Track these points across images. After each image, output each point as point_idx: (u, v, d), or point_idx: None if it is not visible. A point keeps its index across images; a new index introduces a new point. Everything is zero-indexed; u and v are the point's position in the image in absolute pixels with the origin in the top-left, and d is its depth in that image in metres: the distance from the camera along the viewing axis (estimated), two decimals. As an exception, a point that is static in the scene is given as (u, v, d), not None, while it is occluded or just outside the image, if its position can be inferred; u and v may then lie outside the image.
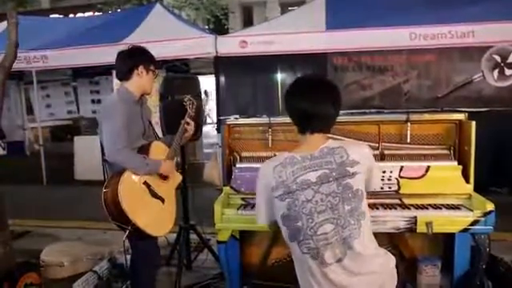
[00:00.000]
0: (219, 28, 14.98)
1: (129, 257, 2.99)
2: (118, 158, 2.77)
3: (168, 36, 7.39)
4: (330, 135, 2.06)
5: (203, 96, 3.86)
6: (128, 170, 2.76)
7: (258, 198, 2.04)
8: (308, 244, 1.86)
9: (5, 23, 8.69)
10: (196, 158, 9.67)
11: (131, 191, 2.75)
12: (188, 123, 3.17)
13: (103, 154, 2.89)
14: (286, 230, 1.93)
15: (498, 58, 6.44)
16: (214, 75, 7.62)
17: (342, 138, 2.98)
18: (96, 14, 15.23)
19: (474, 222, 2.68)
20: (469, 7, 6.56)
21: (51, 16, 16.81)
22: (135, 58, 2.96)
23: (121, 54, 2.99)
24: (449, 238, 2.96)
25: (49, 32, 9.10)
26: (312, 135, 1.97)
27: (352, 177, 1.87)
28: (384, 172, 2.90)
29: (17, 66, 3.75)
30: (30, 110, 12.43)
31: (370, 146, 2.38)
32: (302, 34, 6.94)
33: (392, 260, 1.97)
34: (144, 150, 2.91)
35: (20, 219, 5.38)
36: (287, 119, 3.84)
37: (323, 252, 1.84)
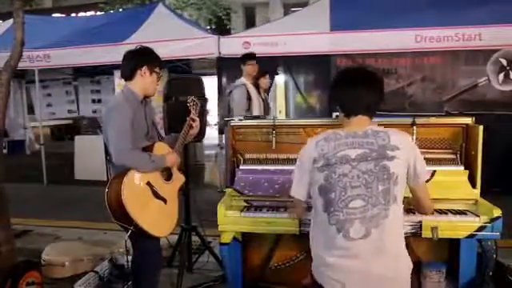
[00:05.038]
0: (221, 28, 14.94)
1: (130, 258, 2.96)
2: (124, 159, 2.75)
3: (170, 36, 7.36)
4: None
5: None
6: (132, 169, 2.74)
7: (300, 173, 2.11)
8: (337, 216, 1.94)
9: (7, 22, 8.77)
10: (197, 159, 9.65)
11: (134, 191, 2.73)
12: (194, 120, 3.14)
13: (107, 154, 2.87)
14: (321, 201, 2.00)
15: (504, 62, 6.41)
16: (216, 76, 7.58)
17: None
18: (98, 13, 15.20)
19: (481, 228, 2.65)
20: (476, 10, 6.51)
21: (53, 15, 16.77)
22: (140, 58, 2.93)
23: (127, 54, 2.97)
24: (454, 243, 2.93)
25: (51, 31, 9.07)
26: (356, 117, 2.05)
27: (390, 160, 1.93)
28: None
29: (20, 64, 3.73)
30: (30, 109, 12.43)
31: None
32: (306, 35, 6.91)
33: (410, 265, 2.00)
34: (147, 151, 2.88)
35: (20, 218, 5.35)
36: (291, 121, 3.83)
37: (349, 226, 1.91)
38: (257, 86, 5.73)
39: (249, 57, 5.66)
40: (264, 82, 5.89)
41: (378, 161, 1.93)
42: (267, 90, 6.18)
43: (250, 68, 5.62)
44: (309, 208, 2.25)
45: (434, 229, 2.64)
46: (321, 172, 1.99)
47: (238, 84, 5.59)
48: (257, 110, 5.55)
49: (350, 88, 2.07)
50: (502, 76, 6.44)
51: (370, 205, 1.91)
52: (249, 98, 5.49)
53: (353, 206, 1.92)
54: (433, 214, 2.71)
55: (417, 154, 2.03)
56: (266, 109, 5.93)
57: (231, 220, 2.89)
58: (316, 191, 2.02)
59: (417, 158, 2.02)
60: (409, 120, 3.03)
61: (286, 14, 17.32)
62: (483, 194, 2.87)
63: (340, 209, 1.93)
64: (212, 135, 7.13)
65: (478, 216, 2.68)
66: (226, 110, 5.57)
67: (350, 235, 1.90)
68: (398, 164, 1.94)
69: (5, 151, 11.29)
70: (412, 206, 2.41)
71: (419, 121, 3.02)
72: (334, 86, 2.14)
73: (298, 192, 2.16)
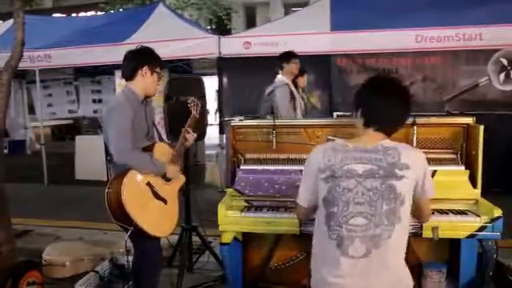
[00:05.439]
0: (222, 28, 14.95)
1: (130, 258, 2.97)
2: (124, 159, 2.76)
3: (171, 36, 7.36)
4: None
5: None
6: (132, 169, 2.75)
7: (305, 179, 2.07)
8: (337, 231, 1.88)
9: (7, 22, 8.77)
10: (197, 159, 9.64)
11: (134, 192, 2.73)
12: (188, 132, 3.14)
13: (107, 154, 2.87)
14: (323, 213, 1.95)
15: (504, 62, 6.41)
16: (216, 76, 7.58)
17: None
18: (98, 13, 15.21)
19: (481, 228, 2.65)
20: (476, 10, 6.51)
21: (53, 15, 16.78)
22: (140, 58, 2.94)
23: (128, 54, 2.98)
24: (455, 243, 2.92)
25: (52, 31, 9.08)
26: (375, 131, 1.97)
27: (399, 179, 1.87)
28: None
29: (21, 64, 3.73)
30: (31, 109, 12.45)
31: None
32: (307, 35, 6.91)
33: (411, 284, 1.95)
34: (147, 151, 2.89)
35: (21, 218, 5.35)
36: (292, 121, 3.83)
37: (349, 243, 1.85)
38: (295, 85, 5.38)
39: (293, 55, 5.25)
40: (302, 80, 5.79)
41: (385, 179, 1.86)
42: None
43: (294, 66, 5.21)
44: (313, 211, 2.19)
45: (434, 229, 2.64)
46: (325, 183, 1.93)
47: (280, 84, 5.10)
48: (299, 110, 5.24)
49: (384, 98, 1.97)
50: (502, 76, 6.44)
51: (373, 224, 1.84)
52: (293, 98, 5.13)
53: (354, 223, 1.86)
54: (433, 213, 2.72)
55: (426, 173, 1.97)
56: (306, 108, 5.79)
57: (232, 220, 2.89)
58: (320, 202, 1.97)
59: (426, 176, 1.96)
60: (409, 120, 3.02)
61: (286, 13, 17.35)
62: (484, 194, 2.87)
63: (340, 224, 1.87)
64: (213, 135, 7.14)
65: (479, 216, 2.68)
66: (267, 112, 4.90)
67: (350, 253, 1.84)
68: (405, 184, 1.87)
69: (5, 151, 11.29)
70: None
71: (420, 121, 3.01)
72: (364, 90, 2.04)
73: (302, 199, 2.11)
